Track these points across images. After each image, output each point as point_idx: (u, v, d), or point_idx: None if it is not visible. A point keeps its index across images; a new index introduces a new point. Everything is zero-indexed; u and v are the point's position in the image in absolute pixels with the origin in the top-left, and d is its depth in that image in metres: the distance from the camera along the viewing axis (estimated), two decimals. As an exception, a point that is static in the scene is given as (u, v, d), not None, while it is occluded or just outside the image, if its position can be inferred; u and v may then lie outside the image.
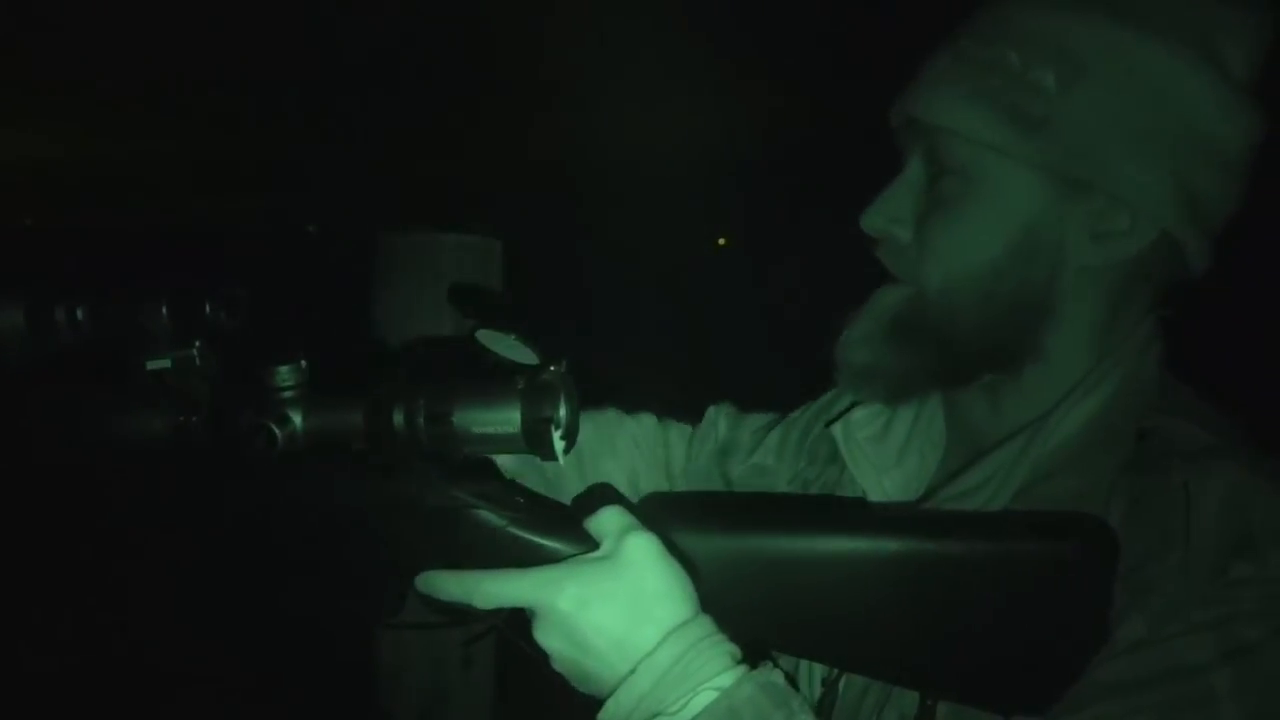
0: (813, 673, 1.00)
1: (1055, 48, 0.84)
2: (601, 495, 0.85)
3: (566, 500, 0.94)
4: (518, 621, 0.82)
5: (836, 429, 1.06)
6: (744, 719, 0.69)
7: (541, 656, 0.82)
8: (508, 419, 0.72)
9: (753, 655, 0.76)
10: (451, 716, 2.37)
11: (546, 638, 0.76)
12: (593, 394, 0.79)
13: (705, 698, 0.71)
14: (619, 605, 0.74)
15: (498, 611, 0.82)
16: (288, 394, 0.77)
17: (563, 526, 0.80)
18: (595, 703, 0.89)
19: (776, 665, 0.74)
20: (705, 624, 0.75)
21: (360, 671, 2.38)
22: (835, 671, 0.97)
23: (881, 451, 1.03)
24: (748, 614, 0.79)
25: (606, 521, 0.79)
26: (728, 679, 0.72)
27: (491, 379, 0.74)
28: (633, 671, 0.73)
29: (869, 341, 0.93)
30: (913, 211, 0.92)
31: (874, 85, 0.97)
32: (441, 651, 2.32)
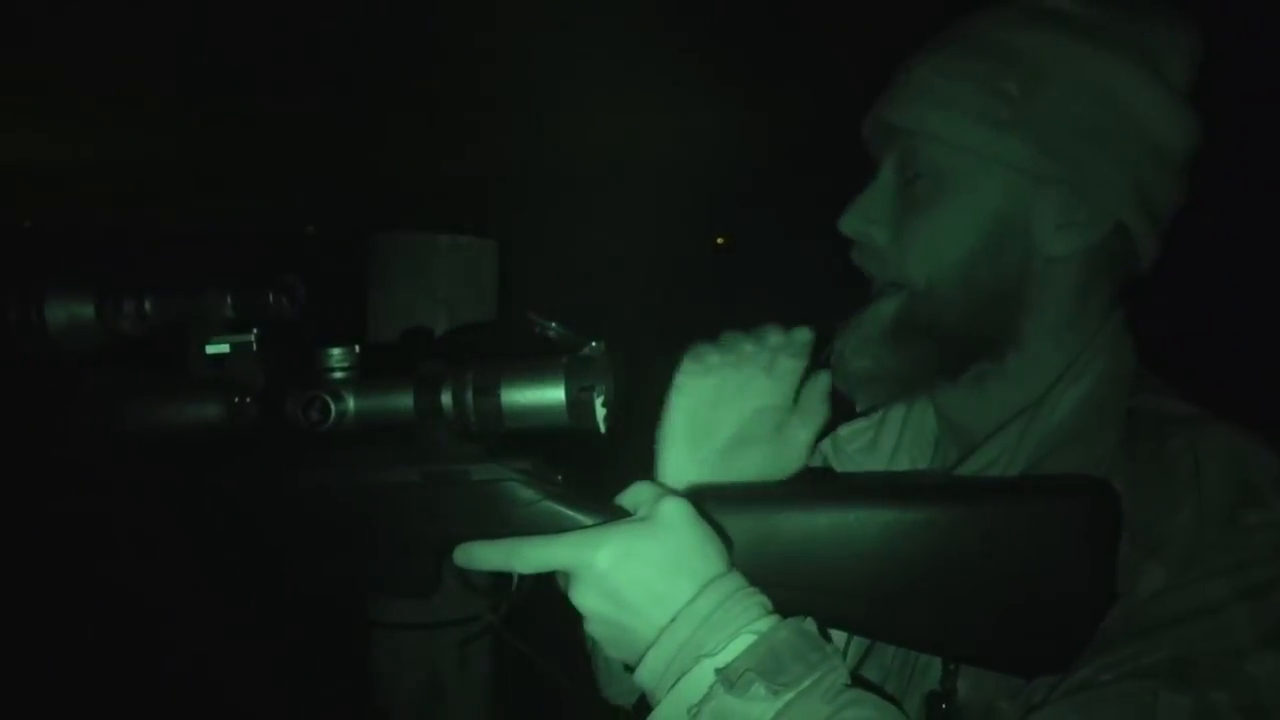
0: None
1: (1018, 59, 0.94)
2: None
3: None
4: (534, 605, 0.87)
5: (825, 445, 1.12)
6: (783, 659, 0.73)
7: (536, 654, 0.87)
8: (553, 391, 0.78)
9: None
10: (448, 717, 2.40)
11: (584, 598, 0.80)
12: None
13: (744, 641, 0.75)
14: (656, 561, 0.78)
15: (510, 595, 0.87)
16: (340, 374, 0.82)
17: (598, 500, 0.85)
18: (590, 704, 0.93)
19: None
20: (739, 577, 0.80)
21: (358, 671, 2.40)
22: (852, 665, 1.01)
23: (872, 461, 1.10)
24: (773, 585, 0.82)
25: (639, 492, 0.85)
26: (764, 624, 0.76)
27: (536, 355, 0.79)
28: (673, 620, 0.77)
29: (868, 348, 1.00)
30: (888, 213, 1.00)
31: (869, 87, 1.04)
32: (438, 652, 2.34)
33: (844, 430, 1.13)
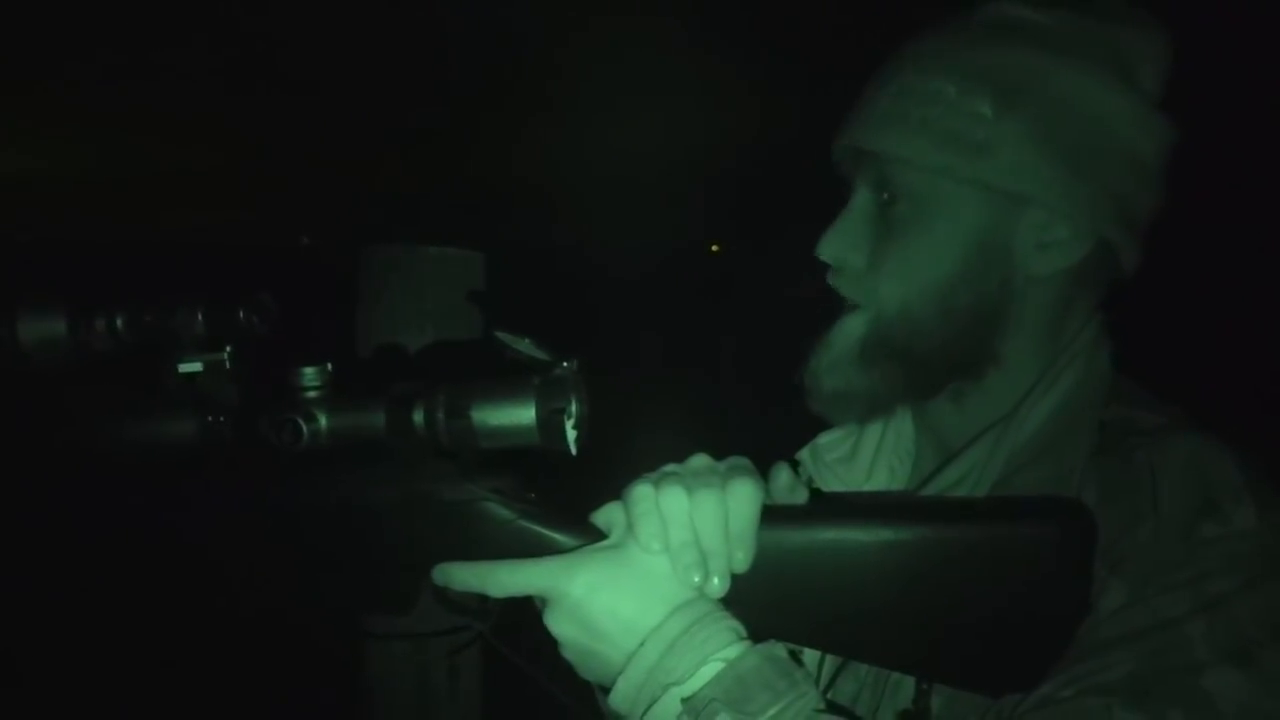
0: None
1: (988, 78, 0.91)
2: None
3: None
4: (523, 613, 0.87)
5: (803, 454, 1.11)
6: (750, 688, 0.73)
7: (526, 663, 0.86)
8: (523, 412, 0.78)
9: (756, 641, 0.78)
10: (440, 725, 2.40)
11: (557, 624, 0.80)
12: (596, 395, 0.84)
13: (712, 668, 0.74)
14: (629, 589, 0.78)
15: (495, 609, 0.86)
16: (313, 394, 0.82)
17: (572, 519, 0.85)
18: (581, 711, 0.93)
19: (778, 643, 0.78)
20: (710, 601, 0.80)
21: (349, 681, 2.40)
22: (826, 680, 1.01)
23: (851, 471, 1.09)
24: (748, 606, 0.82)
25: (614, 513, 0.84)
26: (733, 651, 0.75)
27: (507, 375, 0.79)
28: (641, 644, 0.77)
29: (838, 367, 0.98)
30: (866, 238, 0.98)
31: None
32: (430, 661, 2.35)
33: (823, 439, 1.12)
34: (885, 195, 0.97)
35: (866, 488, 1.07)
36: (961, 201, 0.93)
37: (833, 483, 1.09)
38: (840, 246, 0.99)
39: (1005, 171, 0.91)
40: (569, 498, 0.88)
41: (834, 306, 1.02)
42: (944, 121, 0.92)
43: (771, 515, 0.83)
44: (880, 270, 0.96)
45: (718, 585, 0.79)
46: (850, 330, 0.98)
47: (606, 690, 0.80)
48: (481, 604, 0.88)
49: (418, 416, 0.79)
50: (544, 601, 0.81)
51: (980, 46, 0.93)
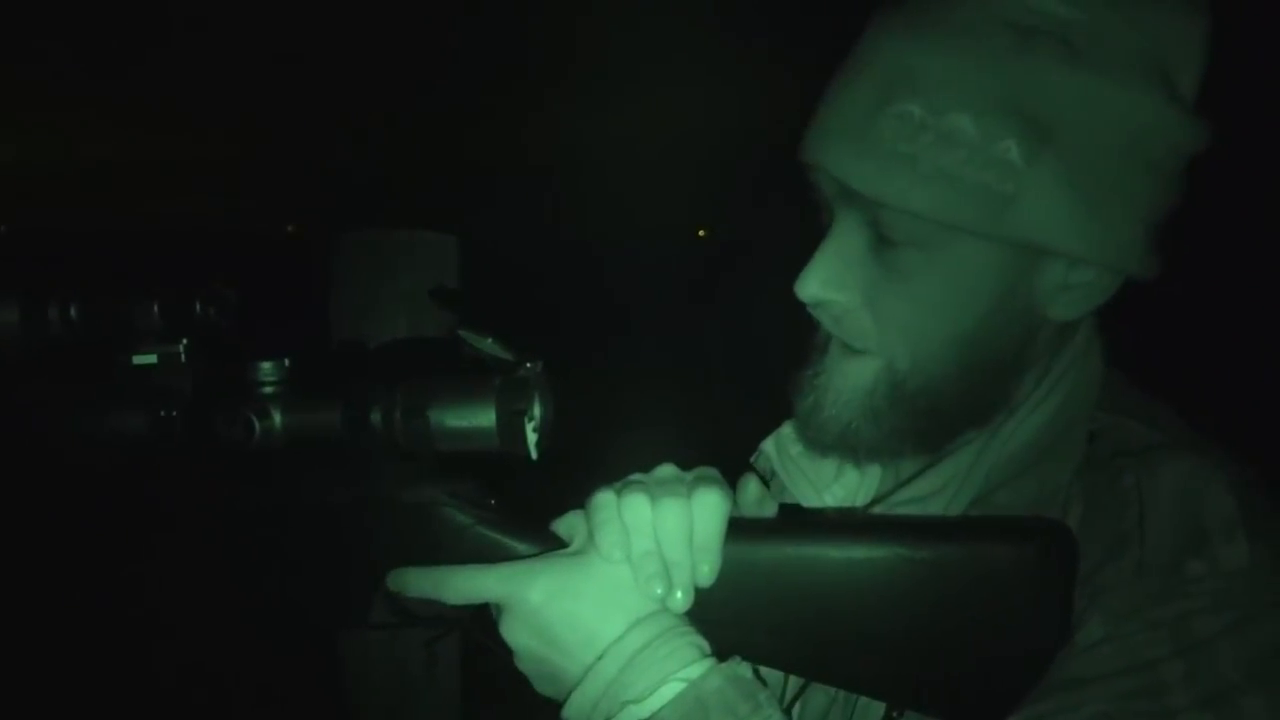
0: None
1: (1016, 112, 0.76)
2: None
3: None
4: (482, 619, 0.85)
5: (768, 444, 1.05)
6: (711, 711, 0.70)
7: (506, 653, 0.83)
8: (483, 414, 0.75)
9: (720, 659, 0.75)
10: (418, 715, 2.39)
11: (514, 633, 0.77)
12: (572, 392, 0.82)
13: (673, 688, 0.71)
14: (589, 598, 0.75)
15: (462, 609, 0.84)
16: (268, 389, 0.80)
17: (532, 527, 0.83)
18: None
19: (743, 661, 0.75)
20: (673, 615, 0.76)
21: (326, 672, 2.39)
22: (793, 694, 0.97)
23: (819, 467, 1.01)
24: (712, 622, 0.79)
25: (575, 522, 0.82)
26: (696, 670, 0.72)
27: (467, 375, 0.76)
28: (600, 658, 0.74)
29: (843, 418, 0.89)
30: (856, 277, 0.86)
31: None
32: (406, 651, 2.33)
33: (788, 429, 1.03)
34: (882, 232, 0.83)
35: (834, 486, 1.01)
36: (979, 254, 0.82)
37: (797, 477, 1.02)
38: (825, 287, 0.87)
39: (1033, 226, 0.79)
40: (534, 504, 0.86)
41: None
42: (964, 171, 0.77)
43: (739, 528, 0.80)
44: (882, 318, 0.86)
45: (681, 598, 0.77)
46: (857, 379, 0.89)
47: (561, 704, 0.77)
48: (437, 611, 0.85)
49: (375, 416, 0.77)
50: (500, 609, 0.78)
51: (1002, 61, 0.77)
